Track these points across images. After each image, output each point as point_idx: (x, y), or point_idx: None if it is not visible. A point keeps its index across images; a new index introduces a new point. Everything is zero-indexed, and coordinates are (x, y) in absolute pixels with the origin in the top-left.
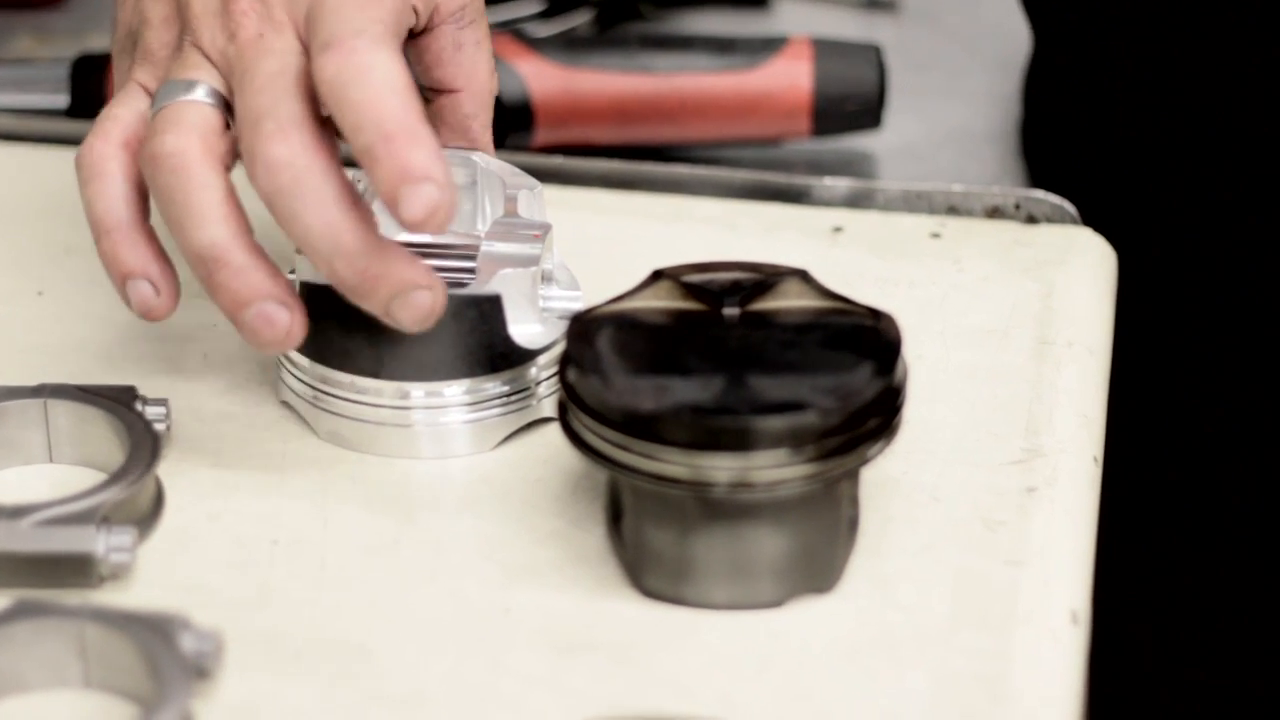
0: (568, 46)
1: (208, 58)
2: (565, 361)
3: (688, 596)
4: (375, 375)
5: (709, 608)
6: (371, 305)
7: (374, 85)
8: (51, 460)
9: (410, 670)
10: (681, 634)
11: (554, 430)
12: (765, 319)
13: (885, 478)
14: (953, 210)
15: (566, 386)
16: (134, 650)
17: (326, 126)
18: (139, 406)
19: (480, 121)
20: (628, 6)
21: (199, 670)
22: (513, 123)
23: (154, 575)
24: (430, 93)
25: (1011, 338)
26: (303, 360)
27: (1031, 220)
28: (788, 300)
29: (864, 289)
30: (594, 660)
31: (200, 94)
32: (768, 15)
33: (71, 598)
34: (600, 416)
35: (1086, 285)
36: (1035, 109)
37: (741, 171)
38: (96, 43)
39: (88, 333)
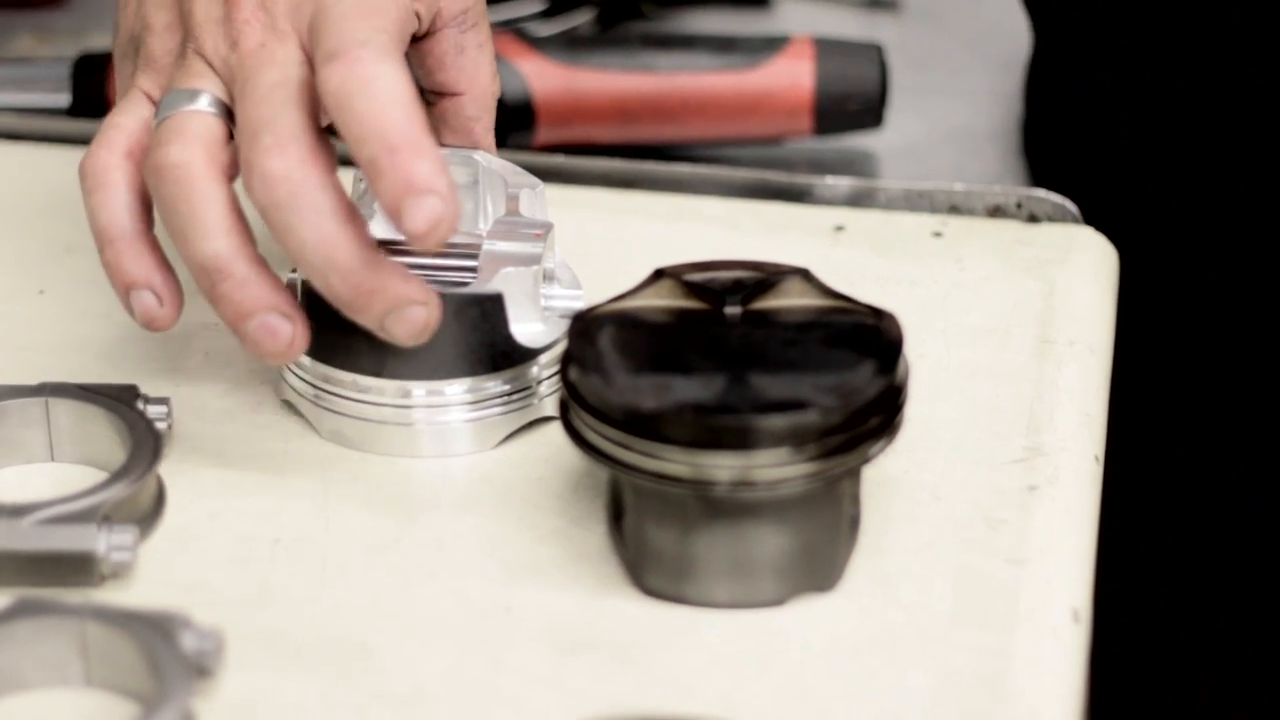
0: (569, 45)
1: (210, 66)
2: (567, 360)
3: (689, 595)
4: (377, 374)
5: (710, 606)
6: (366, 320)
7: (378, 97)
8: (53, 459)
9: (411, 669)
10: (683, 633)
11: (555, 429)
12: (767, 318)
13: (886, 476)
14: (954, 209)
15: (568, 385)
16: (135, 649)
17: (325, 138)
18: (140, 405)
19: (483, 124)
20: (629, 5)
21: (200, 669)
22: (514, 122)
23: (155, 574)
24: (432, 96)
25: (1013, 336)
26: (304, 359)
27: (1033, 219)
28: (789, 299)
29: (865, 288)
30: (595, 659)
31: (204, 104)
32: (769, 14)
33: (73, 596)
34: (602, 415)
35: (1088, 284)
36: (1036, 108)
37: (743, 170)
38: (98, 42)
39: (89, 331)
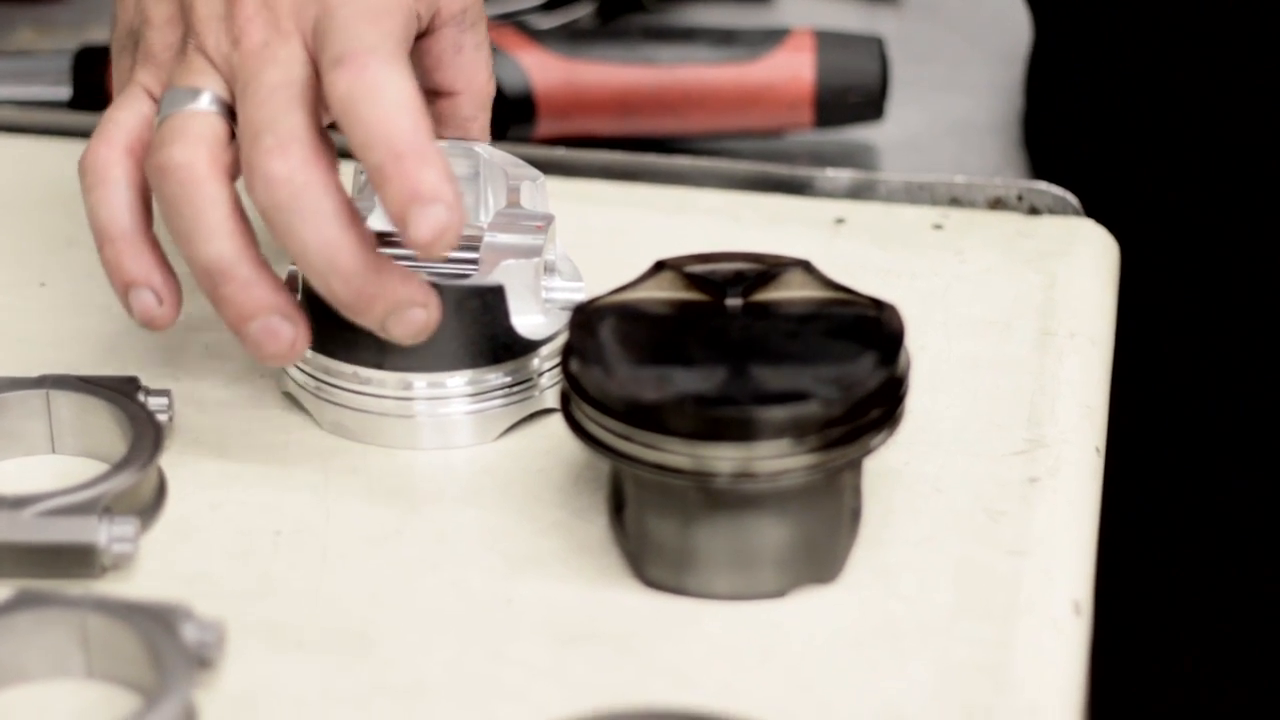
0: (570, 38)
1: (212, 63)
2: (568, 352)
3: (690, 587)
4: (378, 366)
5: (711, 598)
6: (366, 321)
7: (385, 103)
8: (54, 451)
9: (412, 660)
10: (684, 624)
11: (556, 421)
12: (768, 309)
13: (887, 468)
14: (955, 202)
15: (569, 377)
16: (136, 640)
17: (327, 138)
18: (141, 397)
19: (479, 124)
20: None
21: (201, 660)
22: (515, 114)
23: (156, 565)
24: (429, 94)
25: (1014, 329)
26: (306, 350)
27: (1034, 211)
28: (790, 291)
29: (866, 280)
30: (596, 650)
31: (205, 103)
32: (770, 7)
33: (74, 588)
34: (603, 407)
35: (1089, 276)
36: (1037, 100)
37: (744, 163)
38: (98, 34)
39: (90, 323)
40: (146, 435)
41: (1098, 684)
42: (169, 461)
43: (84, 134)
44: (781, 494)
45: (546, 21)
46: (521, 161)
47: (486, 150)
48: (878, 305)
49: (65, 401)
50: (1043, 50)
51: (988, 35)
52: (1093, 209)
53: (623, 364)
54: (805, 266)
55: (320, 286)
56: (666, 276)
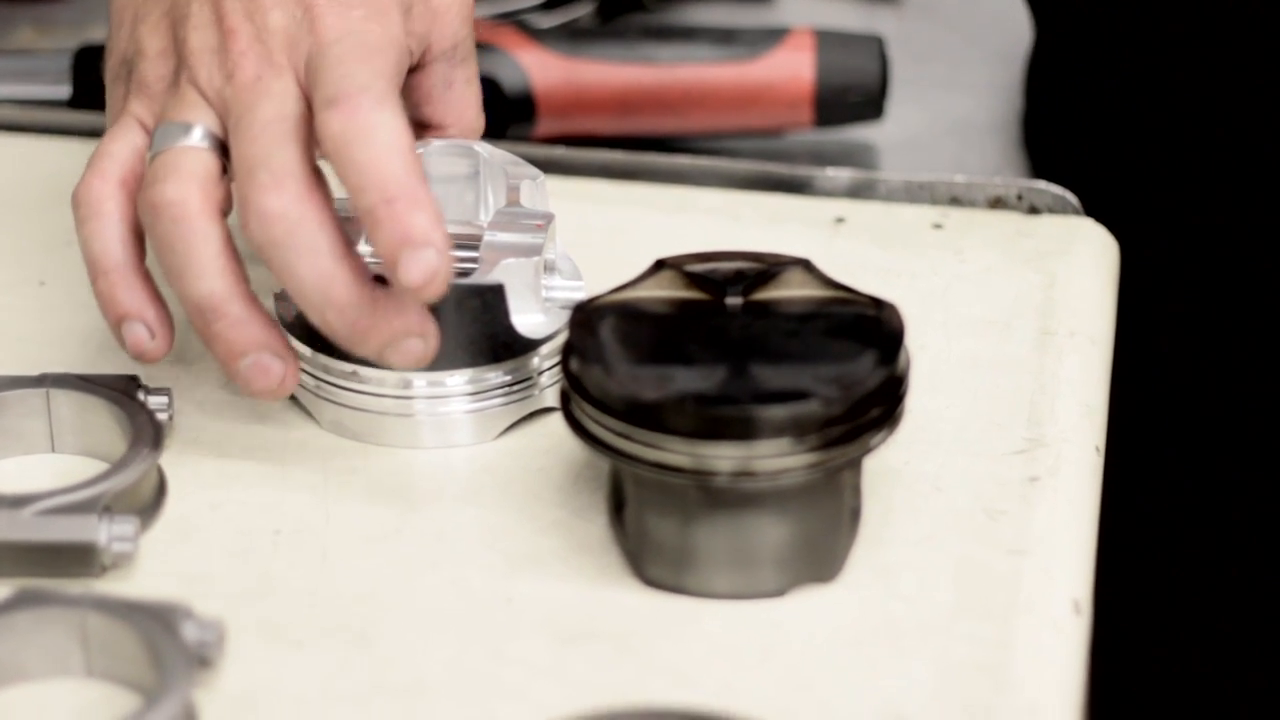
0: (570, 37)
1: (204, 96)
2: (568, 351)
3: (690, 586)
4: (378, 365)
5: (711, 597)
6: (364, 353)
7: (377, 146)
8: (54, 450)
9: (412, 659)
10: (683, 623)
11: (556, 420)
12: (768, 308)
13: (887, 467)
14: (955, 201)
15: (569, 376)
16: (136, 639)
17: (320, 172)
18: (141, 396)
19: None
20: None
21: (201, 659)
22: (515, 114)
23: (156, 565)
24: (419, 128)
25: (1014, 328)
26: (305, 350)
27: (1033, 211)
28: (790, 290)
29: (866, 279)
30: (596, 649)
31: (197, 138)
32: (770, 7)
33: (73, 587)
34: (603, 406)
35: (1088, 276)
36: (1037, 100)
37: (744, 162)
38: (98, 34)
39: (90, 322)
40: (146, 434)
41: (1098, 684)
42: (169, 461)
43: (84, 133)
44: (781, 493)
45: (546, 21)
46: (521, 160)
47: (486, 149)
48: (877, 304)
49: (65, 400)
50: (1043, 50)
51: (988, 35)
52: (1093, 209)
53: (623, 363)
54: (805, 266)
55: (316, 320)
56: (666, 275)
